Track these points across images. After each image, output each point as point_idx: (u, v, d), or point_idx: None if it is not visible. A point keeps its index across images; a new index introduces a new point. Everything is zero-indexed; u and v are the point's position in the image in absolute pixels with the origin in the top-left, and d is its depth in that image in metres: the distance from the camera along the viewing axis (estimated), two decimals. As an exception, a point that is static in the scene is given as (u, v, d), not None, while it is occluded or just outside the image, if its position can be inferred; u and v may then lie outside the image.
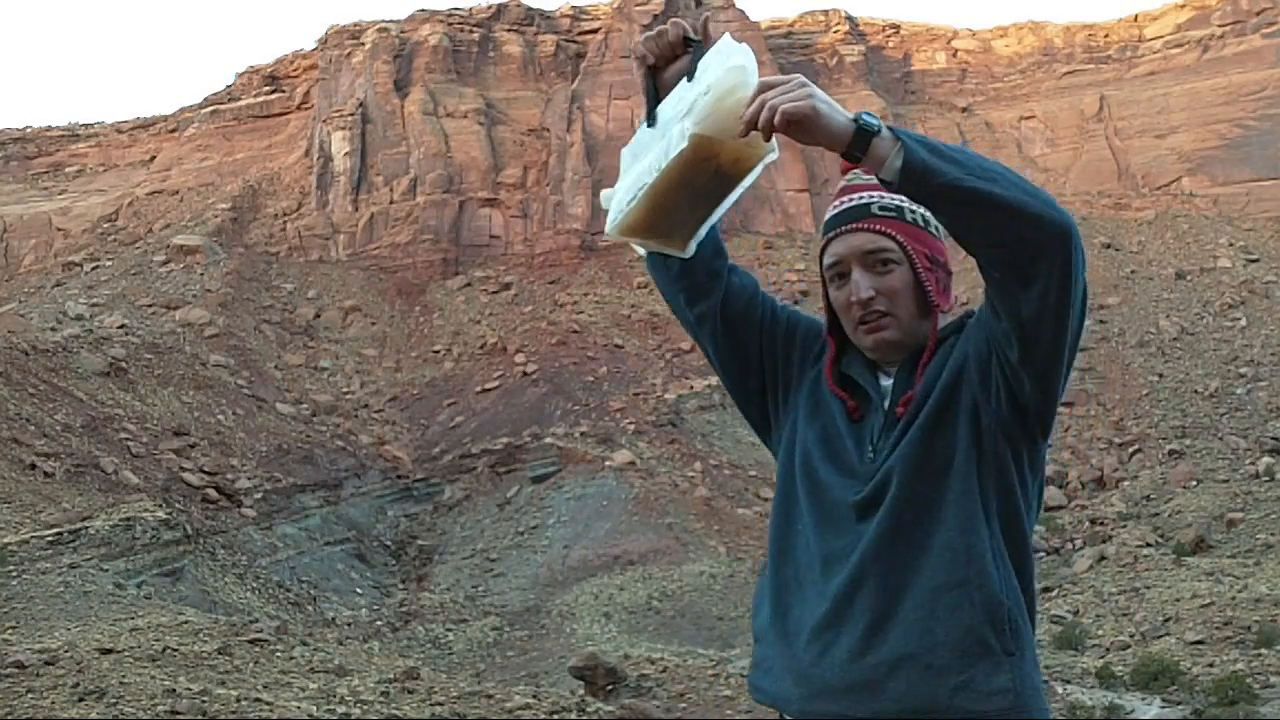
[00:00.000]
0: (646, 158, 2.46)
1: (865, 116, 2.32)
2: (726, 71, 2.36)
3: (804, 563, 2.66)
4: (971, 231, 2.35)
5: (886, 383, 2.69)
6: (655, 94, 2.55)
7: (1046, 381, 2.55)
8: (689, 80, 2.45)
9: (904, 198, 2.63)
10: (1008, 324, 2.43)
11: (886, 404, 2.66)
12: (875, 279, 2.63)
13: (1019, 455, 2.60)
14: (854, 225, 2.66)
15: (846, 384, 2.74)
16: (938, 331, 2.66)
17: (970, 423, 2.55)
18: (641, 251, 2.66)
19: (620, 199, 2.49)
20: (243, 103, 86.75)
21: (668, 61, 2.57)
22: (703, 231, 2.54)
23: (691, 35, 2.53)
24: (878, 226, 2.64)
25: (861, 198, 2.69)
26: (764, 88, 2.30)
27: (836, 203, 2.75)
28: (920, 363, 2.64)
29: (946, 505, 2.51)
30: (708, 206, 2.47)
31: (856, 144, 2.31)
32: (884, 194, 2.67)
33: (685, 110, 2.40)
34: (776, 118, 2.26)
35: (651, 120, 2.52)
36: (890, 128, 2.32)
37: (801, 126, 2.30)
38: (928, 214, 2.64)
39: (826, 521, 2.62)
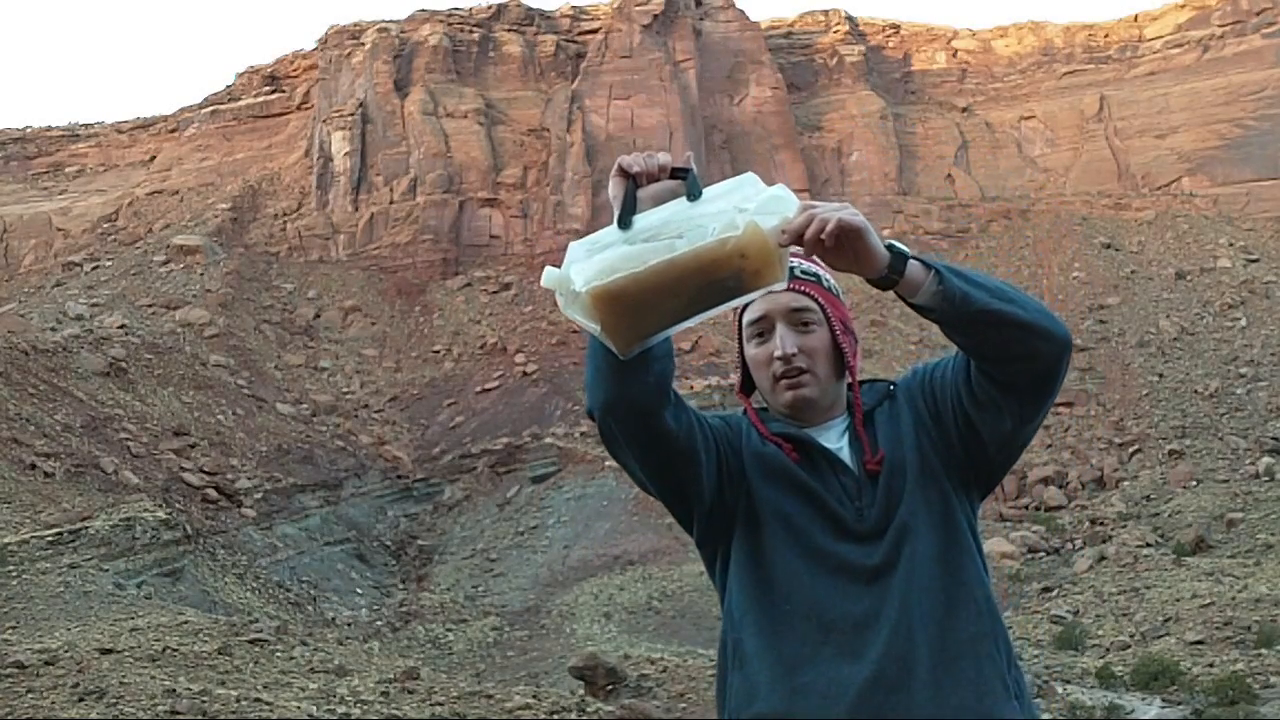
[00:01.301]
0: (650, 241, 2.40)
1: (895, 243, 2.46)
2: (771, 198, 2.40)
3: (809, 636, 2.65)
4: (996, 348, 2.55)
5: (833, 444, 2.76)
6: (633, 202, 2.52)
7: (1012, 456, 2.77)
8: (690, 200, 2.47)
9: (818, 266, 2.77)
10: (1008, 417, 2.63)
11: (849, 462, 2.73)
12: (798, 337, 2.74)
13: (975, 510, 2.81)
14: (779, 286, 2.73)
15: (768, 448, 2.79)
16: (862, 401, 2.79)
17: (947, 480, 2.72)
18: (591, 329, 2.46)
19: (609, 262, 2.39)
20: (243, 103, 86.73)
21: (649, 180, 2.58)
22: (656, 339, 2.50)
23: (681, 165, 2.57)
24: (802, 288, 2.76)
25: None
26: (810, 207, 2.40)
27: None
28: (857, 423, 2.76)
29: (956, 557, 2.68)
30: (690, 310, 2.43)
31: (894, 267, 2.46)
32: (802, 260, 2.75)
33: (696, 224, 2.39)
34: (830, 227, 2.36)
35: (624, 224, 2.48)
36: (915, 255, 2.49)
37: (851, 240, 2.40)
38: (836, 285, 2.83)
39: (832, 587, 2.65)
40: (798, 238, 2.36)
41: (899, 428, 2.74)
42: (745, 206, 2.40)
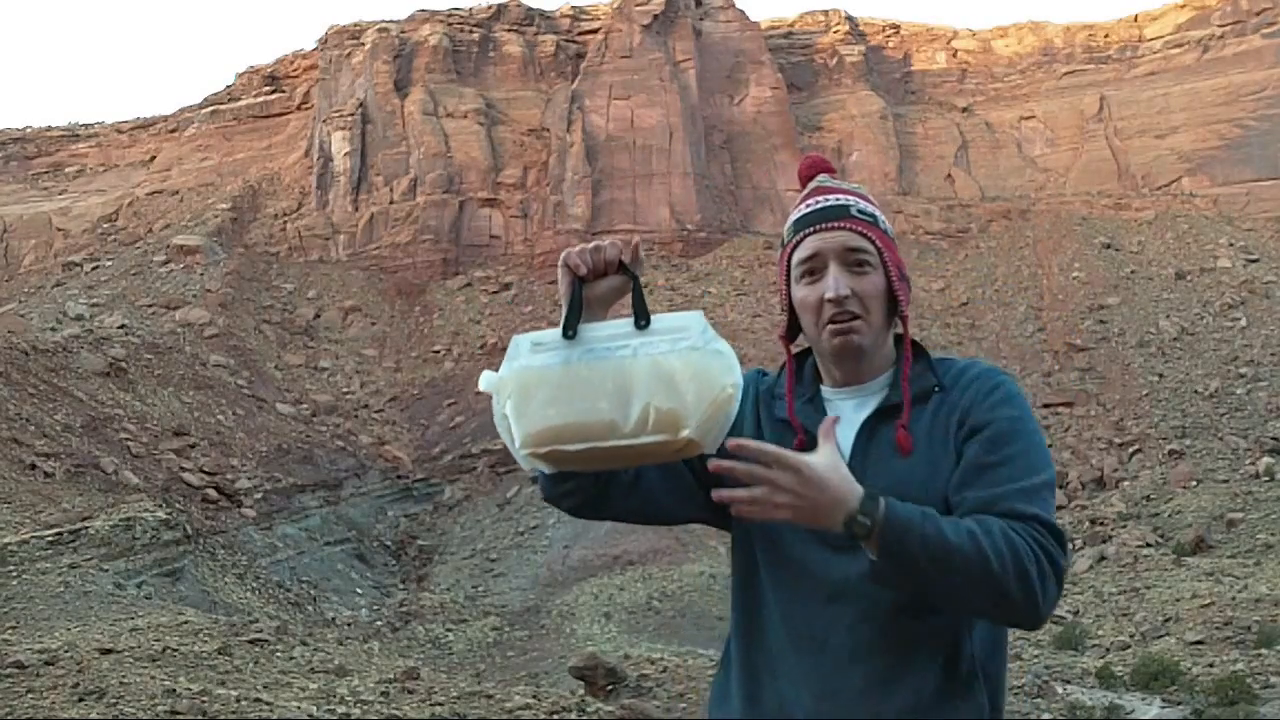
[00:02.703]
0: (596, 398, 2.34)
1: (860, 518, 2.29)
2: (723, 369, 2.35)
3: (775, 649, 2.61)
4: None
5: (842, 432, 2.59)
6: (579, 305, 2.47)
7: None
8: (636, 326, 2.41)
9: (877, 207, 2.67)
10: None
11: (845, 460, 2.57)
12: (851, 279, 2.57)
13: None
14: (835, 223, 2.61)
15: (784, 426, 2.68)
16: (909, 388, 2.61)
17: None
18: (538, 469, 2.47)
19: (543, 405, 2.37)
20: (243, 103, 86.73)
21: (597, 276, 2.51)
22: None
23: (625, 260, 2.49)
24: (858, 228, 2.60)
25: (839, 199, 2.65)
26: (762, 479, 2.26)
27: (809, 201, 2.69)
28: (905, 402, 2.59)
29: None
30: (625, 466, 2.46)
31: (850, 531, 2.31)
32: (859, 199, 2.66)
33: (658, 379, 2.32)
34: (760, 517, 2.30)
35: (570, 332, 2.44)
36: (885, 526, 2.28)
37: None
38: (892, 228, 2.67)
39: (794, 600, 2.56)
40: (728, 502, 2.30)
41: (934, 436, 2.57)
42: (681, 385, 2.32)
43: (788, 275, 2.68)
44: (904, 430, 2.56)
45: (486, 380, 2.46)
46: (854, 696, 2.50)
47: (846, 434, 2.61)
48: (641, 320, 2.42)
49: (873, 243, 2.60)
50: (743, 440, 2.29)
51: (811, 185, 2.72)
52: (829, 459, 2.30)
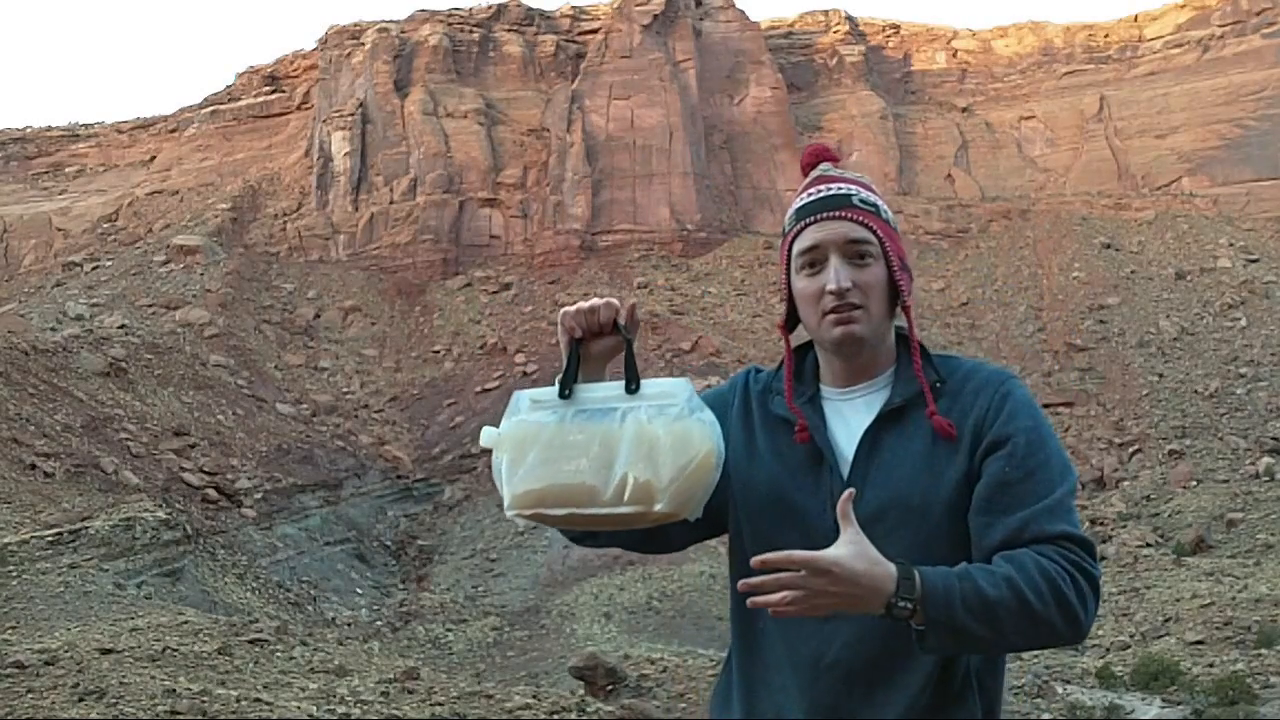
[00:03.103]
0: (581, 462, 2.42)
1: (901, 604, 2.28)
2: (703, 437, 2.40)
3: (771, 662, 2.61)
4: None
5: (843, 436, 2.59)
6: (576, 364, 2.54)
7: None
8: (627, 389, 2.48)
9: (879, 196, 2.64)
10: None
11: (846, 470, 2.57)
12: (852, 270, 2.54)
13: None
14: (836, 213, 2.58)
15: (780, 423, 2.66)
16: (908, 388, 2.59)
17: (960, 514, 2.53)
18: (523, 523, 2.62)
19: (530, 477, 2.45)
20: (243, 103, 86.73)
21: (594, 336, 2.55)
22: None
23: (620, 321, 2.54)
24: (860, 218, 2.57)
25: (841, 188, 2.62)
26: (793, 585, 2.25)
27: (810, 190, 2.66)
28: (923, 388, 2.56)
29: None
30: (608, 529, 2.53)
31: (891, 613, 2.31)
32: (861, 188, 2.63)
33: (639, 447, 2.39)
34: (801, 615, 2.30)
35: (566, 392, 2.51)
36: (926, 602, 2.29)
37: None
38: (894, 218, 2.65)
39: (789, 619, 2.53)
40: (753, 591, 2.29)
41: (939, 445, 2.54)
42: (661, 454, 2.38)
43: (788, 265, 2.65)
44: (937, 417, 2.53)
45: (487, 436, 2.56)
46: (849, 709, 2.51)
47: (849, 440, 2.59)
48: (632, 384, 2.48)
49: (874, 233, 2.57)
50: (766, 556, 2.28)
51: (813, 174, 2.70)
52: (855, 548, 2.28)
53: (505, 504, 2.49)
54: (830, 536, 2.34)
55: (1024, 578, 2.32)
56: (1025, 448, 2.49)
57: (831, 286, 2.53)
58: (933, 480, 2.52)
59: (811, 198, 2.64)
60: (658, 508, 2.37)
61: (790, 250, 2.64)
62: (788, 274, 2.65)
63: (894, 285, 2.59)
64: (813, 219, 2.60)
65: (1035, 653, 30.29)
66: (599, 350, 2.56)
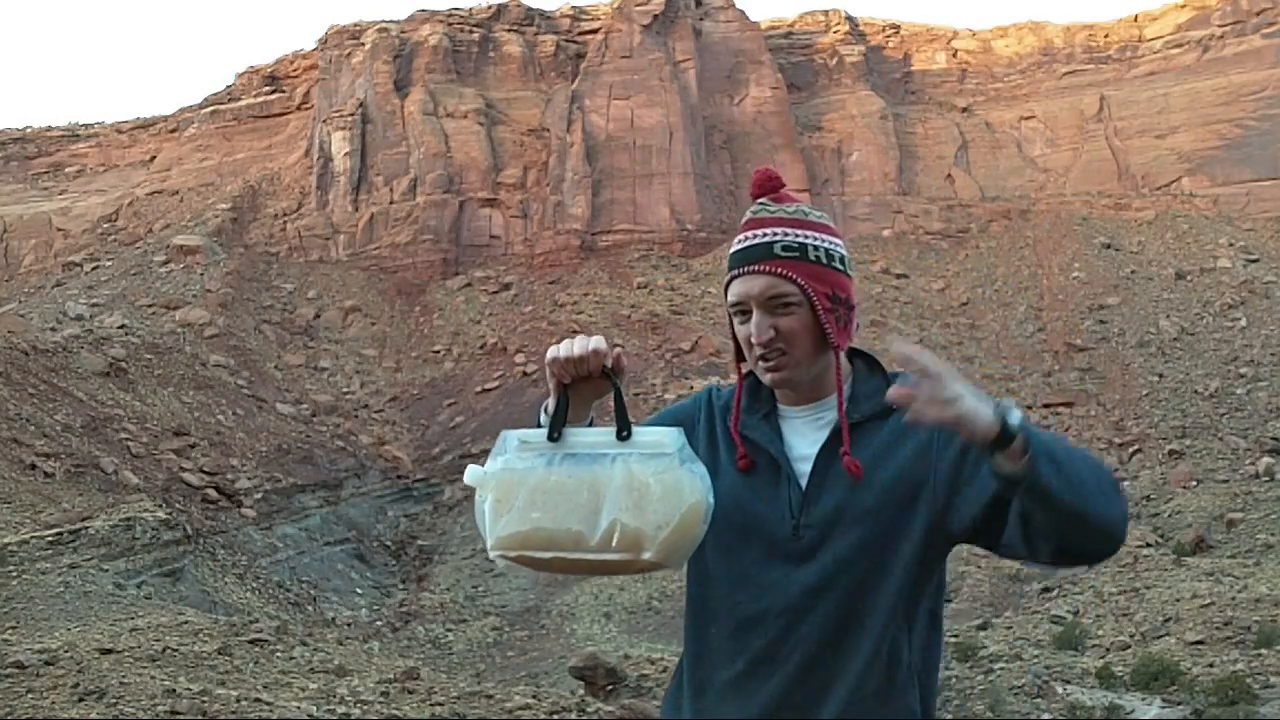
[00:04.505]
0: (568, 508, 2.44)
1: (1010, 419, 2.31)
2: (693, 489, 2.41)
3: (719, 663, 2.68)
4: (1055, 535, 2.40)
5: (800, 450, 2.68)
6: (565, 408, 2.56)
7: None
8: (618, 436, 2.49)
9: (809, 234, 2.68)
10: (1018, 557, 2.52)
11: (804, 481, 2.65)
12: (775, 319, 2.64)
13: (944, 557, 2.70)
14: (756, 267, 2.67)
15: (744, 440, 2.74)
16: (864, 407, 2.67)
17: (923, 528, 2.60)
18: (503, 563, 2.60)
19: (516, 520, 2.47)
20: (243, 103, 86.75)
21: (582, 379, 2.59)
22: None
23: (608, 364, 2.56)
24: (779, 270, 2.65)
25: (765, 234, 2.69)
26: (923, 389, 2.31)
27: (741, 237, 2.75)
28: (841, 415, 2.65)
29: (881, 604, 2.59)
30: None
31: (1000, 441, 2.32)
32: (788, 229, 2.68)
33: (629, 494, 2.41)
34: (933, 417, 2.31)
35: (555, 434, 2.53)
36: (1022, 427, 2.32)
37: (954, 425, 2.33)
38: (830, 249, 2.69)
39: (748, 616, 2.62)
40: (903, 404, 2.33)
41: (894, 451, 2.63)
42: (651, 503, 2.39)
43: (729, 310, 2.77)
44: (848, 456, 2.61)
45: (471, 475, 2.55)
46: (794, 705, 2.58)
47: (807, 452, 2.69)
48: (623, 431, 2.50)
49: (795, 281, 2.63)
50: (907, 350, 2.33)
51: (746, 215, 2.78)
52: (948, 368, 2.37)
53: (488, 545, 2.50)
54: (790, 543, 2.51)
55: (1093, 459, 2.43)
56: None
57: (754, 339, 2.65)
58: (885, 497, 2.61)
59: (739, 246, 2.75)
60: (645, 556, 2.39)
61: (726, 297, 2.76)
62: (730, 318, 2.77)
63: (822, 327, 2.65)
64: (738, 272, 2.71)
65: (1036, 653, 30.29)
66: (587, 392, 2.60)
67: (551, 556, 2.45)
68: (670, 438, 2.48)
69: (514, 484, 2.48)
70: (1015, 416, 2.31)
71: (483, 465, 2.55)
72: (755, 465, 2.69)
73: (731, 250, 2.76)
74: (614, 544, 2.39)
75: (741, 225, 2.77)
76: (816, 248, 2.68)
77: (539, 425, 2.62)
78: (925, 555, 2.61)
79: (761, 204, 2.75)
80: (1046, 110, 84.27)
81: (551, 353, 2.59)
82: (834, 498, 2.61)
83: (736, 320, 2.72)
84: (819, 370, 2.69)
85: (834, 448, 2.65)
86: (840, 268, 2.71)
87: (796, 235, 2.68)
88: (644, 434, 2.49)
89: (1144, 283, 70.37)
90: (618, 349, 2.62)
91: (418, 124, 76.82)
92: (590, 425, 2.63)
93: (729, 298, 2.72)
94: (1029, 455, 2.30)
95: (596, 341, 2.57)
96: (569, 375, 2.57)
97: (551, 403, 2.59)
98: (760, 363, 2.67)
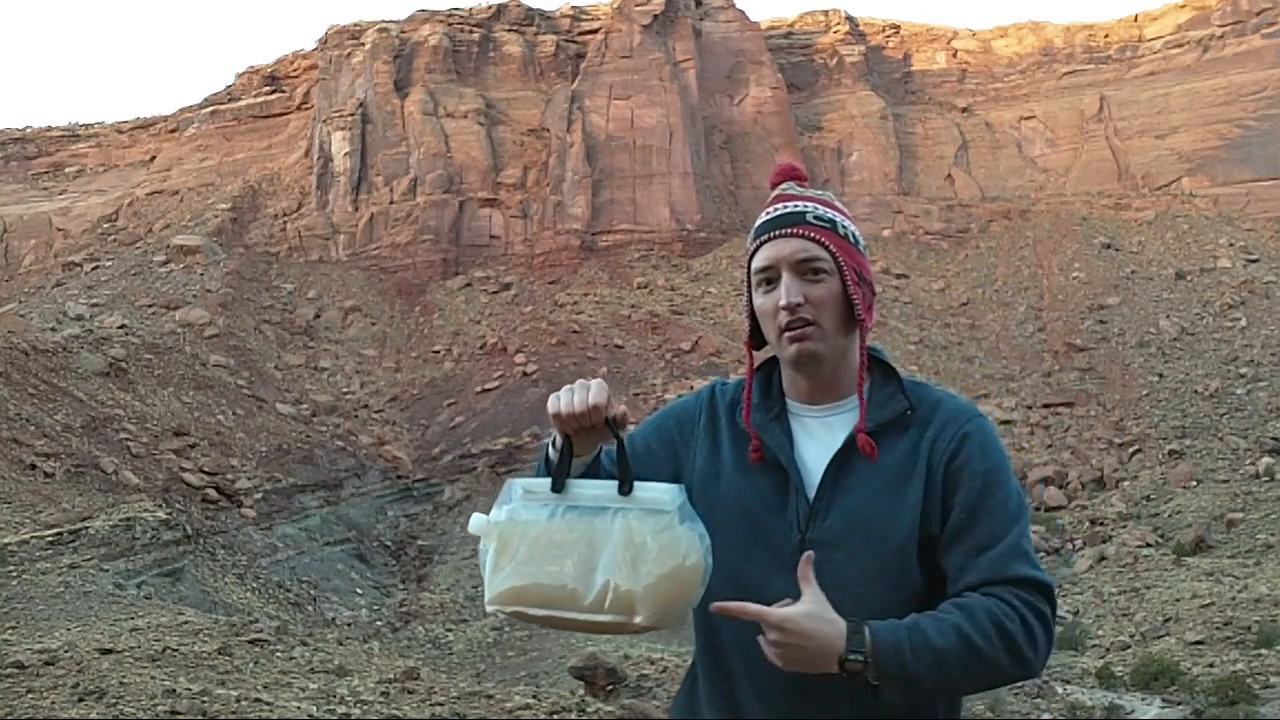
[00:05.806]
0: (565, 564, 2.44)
1: (851, 658, 2.33)
2: (691, 549, 2.41)
3: (732, 674, 2.63)
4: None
5: (810, 457, 2.61)
6: (569, 458, 2.56)
7: None
8: (620, 491, 2.48)
9: (837, 214, 2.66)
10: None
11: (812, 493, 2.58)
12: (804, 286, 2.57)
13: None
14: (788, 231, 2.61)
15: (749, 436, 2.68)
16: (876, 415, 2.61)
17: (928, 554, 2.56)
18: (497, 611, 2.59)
19: (514, 574, 2.47)
20: (243, 103, 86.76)
21: (586, 430, 2.56)
22: None
23: (611, 415, 2.54)
24: (812, 234, 2.60)
25: (796, 205, 2.66)
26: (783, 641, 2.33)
27: (770, 209, 2.70)
28: (861, 417, 2.59)
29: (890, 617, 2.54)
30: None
31: (844, 666, 2.35)
32: (819, 204, 2.66)
33: (625, 552, 2.41)
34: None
35: (559, 486, 2.53)
36: (878, 658, 2.32)
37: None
38: (858, 232, 2.67)
39: (745, 626, 2.50)
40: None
41: (906, 476, 2.57)
42: (646, 564, 2.39)
43: (750, 283, 2.69)
44: (862, 435, 2.57)
45: (475, 523, 2.57)
46: (809, 712, 2.54)
47: (819, 459, 2.61)
48: (625, 486, 2.48)
49: (827, 248, 2.59)
50: (723, 604, 2.38)
51: (775, 193, 2.74)
52: (809, 607, 2.34)
53: (486, 598, 2.51)
54: (796, 555, 2.42)
55: (972, 624, 2.37)
56: (979, 493, 2.52)
57: (782, 302, 2.56)
58: (897, 506, 2.54)
59: (768, 216, 2.69)
60: (637, 620, 2.39)
61: (749, 268, 2.68)
62: (750, 291, 2.69)
63: (850, 300, 2.60)
64: (767, 236, 2.64)
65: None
66: (593, 436, 2.57)
67: (546, 614, 2.44)
68: (670, 495, 2.45)
69: (515, 535, 2.50)
70: (860, 654, 2.31)
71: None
72: (763, 468, 2.63)
73: (759, 222, 2.70)
74: (606, 605, 2.39)
75: (769, 201, 2.73)
76: (845, 226, 2.65)
77: (547, 459, 2.61)
78: (932, 575, 2.56)
79: (789, 185, 2.73)
80: (1046, 110, 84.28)
81: (553, 405, 2.55)
82: (842, 518, 2.54)
83: (759, 292, 2.63)
84: (842, 350, 2.61)
85: (847, 457, 2.58)
86: (864, 251, 2.69)
87: (827, 210, 2.66)
88: (645, 489, 2.47)
89: (1144, 283, 70.38)
90: (622, 409, 2.59)
91: (418, 124, 76.83)
92: (598, 458, 2.63)
93: (755, 264, 2.65)
94: (876, 683, 2.35)
95: (596, 396, 2.52)
96: (573, 426, 2.54)
97: (554, 452, 2.58)
98: (785, 333, 2.58)
